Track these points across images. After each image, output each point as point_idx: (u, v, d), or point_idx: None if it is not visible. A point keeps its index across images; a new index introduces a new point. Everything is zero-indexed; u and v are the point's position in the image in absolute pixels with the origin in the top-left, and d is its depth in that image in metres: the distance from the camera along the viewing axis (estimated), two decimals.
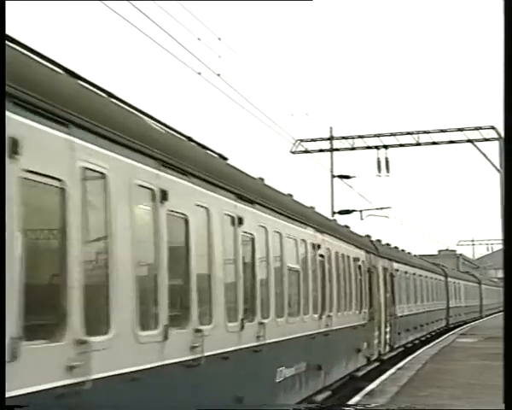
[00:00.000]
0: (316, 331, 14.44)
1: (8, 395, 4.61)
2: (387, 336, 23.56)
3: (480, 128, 35.84)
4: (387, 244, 27.73)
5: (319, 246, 15.08)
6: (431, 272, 38.00)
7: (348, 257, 18.37)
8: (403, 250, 32.72)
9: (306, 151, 38.11)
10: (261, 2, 52.03)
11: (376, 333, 21.88)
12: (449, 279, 44.59)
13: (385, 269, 23.73)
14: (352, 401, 14.23)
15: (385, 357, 22.90)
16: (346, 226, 21.07)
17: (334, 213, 36.92)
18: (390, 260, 25.43)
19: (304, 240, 14.02)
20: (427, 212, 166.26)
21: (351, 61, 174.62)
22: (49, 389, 5.49)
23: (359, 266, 19.67)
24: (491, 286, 75.10)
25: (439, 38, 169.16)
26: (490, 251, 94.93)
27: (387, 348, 23.71)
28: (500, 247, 42.12)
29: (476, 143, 35.80)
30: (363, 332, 20.01)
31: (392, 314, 24.37)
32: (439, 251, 76.45)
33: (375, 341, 21.82)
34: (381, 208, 43.83)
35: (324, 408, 10.65)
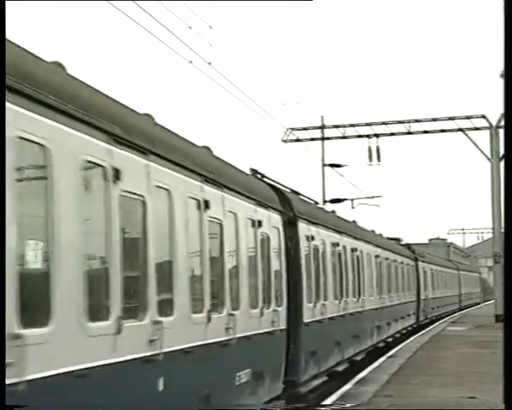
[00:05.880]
0: None
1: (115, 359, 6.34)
2: None
3: (471, 117, 35.90)
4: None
5: None
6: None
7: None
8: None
9: (298, 140, 38.11)
10: None
11: None
12: (345, 241, 18.60)
13: None
14: (329, 399, 13.79)
15: None
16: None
17: (325, 201, 36.95)
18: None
19: None
20: (418, 201, 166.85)
21: (342, 50, 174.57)
22: (136, 358, 6.88)
23: None
24: (443, 268, 45.20)
25: (431, 28, 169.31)
26: (480, 240, 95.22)
27: None
28: (490, 236, 42.14)
29: (467, 132, 35.88)
30: None
31: None
32: (430, 240, 76.59)
33: None
34: (372, 197, 43.99)
35: (301, 408, 10.63)
